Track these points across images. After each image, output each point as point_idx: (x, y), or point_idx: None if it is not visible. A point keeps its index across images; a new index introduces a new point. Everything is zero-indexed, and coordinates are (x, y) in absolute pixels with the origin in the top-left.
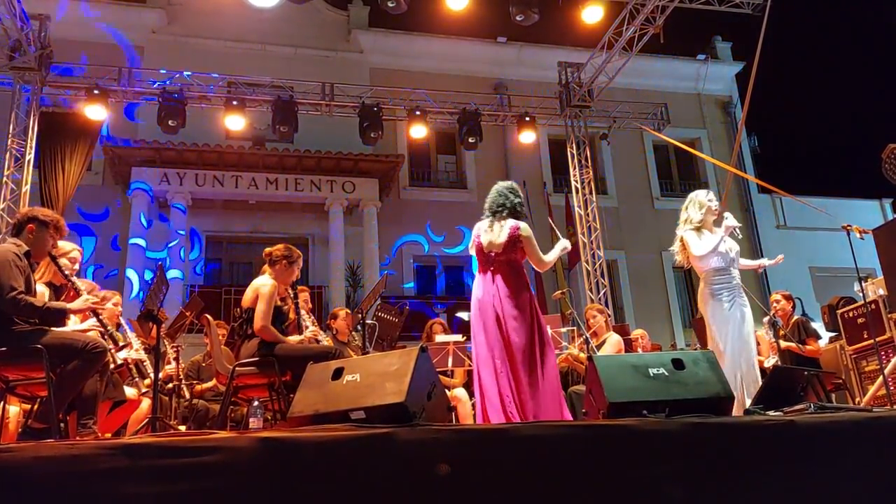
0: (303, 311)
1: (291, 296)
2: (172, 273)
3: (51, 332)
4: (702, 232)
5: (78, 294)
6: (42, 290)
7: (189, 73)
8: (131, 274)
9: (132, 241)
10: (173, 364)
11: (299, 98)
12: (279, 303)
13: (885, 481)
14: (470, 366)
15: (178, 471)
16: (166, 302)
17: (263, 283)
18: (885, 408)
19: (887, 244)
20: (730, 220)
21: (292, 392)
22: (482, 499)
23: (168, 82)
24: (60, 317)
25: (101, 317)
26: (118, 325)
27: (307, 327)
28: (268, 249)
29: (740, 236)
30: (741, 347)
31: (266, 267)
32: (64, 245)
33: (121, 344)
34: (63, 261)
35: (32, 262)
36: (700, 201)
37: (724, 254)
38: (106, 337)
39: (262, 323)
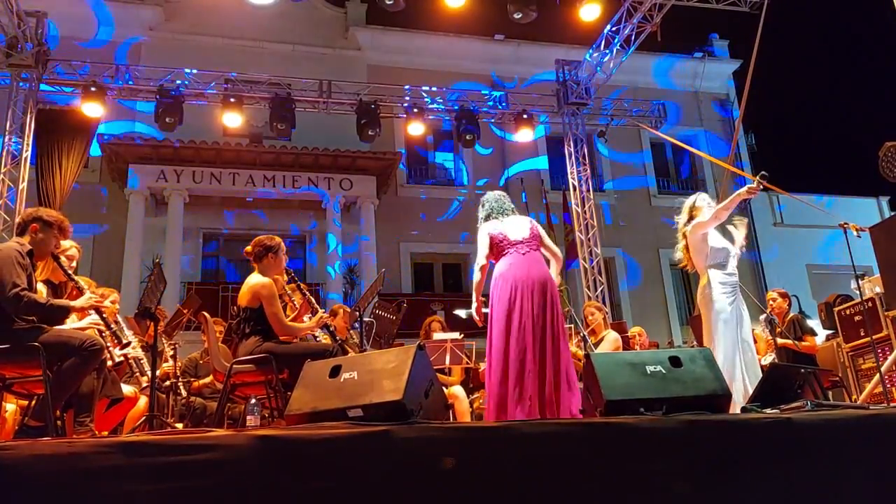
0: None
1: (285, 287)
2: (170, 270)
3: (48, 330)
4: None
5: (81, 292)
6: (41, 289)
7: (187, 70)
8: (129, 271)
9: (129, 238)
10: (170, 362)
11: (297, 95)
12: None
13: (883, 479)
14: (468, 363)
15: (174, 469)
16: (163, 299)
17: (260, 284)
18: (882, 405)
19: (884, 242)
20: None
21: (290, 390)
22: (480, 496)
23: (167, 79)
24: (63, 314)
25: (104, 315)
26: (115, 323)
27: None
28: (247, 249)
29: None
30: (742, 346)
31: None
32: (62, 242)
33: (124, 342)
34: (61, 258)
35: (35, 262)
36: (683, 208)
37: (727, 250)
38: (108, 334)
39: (280, 327)
